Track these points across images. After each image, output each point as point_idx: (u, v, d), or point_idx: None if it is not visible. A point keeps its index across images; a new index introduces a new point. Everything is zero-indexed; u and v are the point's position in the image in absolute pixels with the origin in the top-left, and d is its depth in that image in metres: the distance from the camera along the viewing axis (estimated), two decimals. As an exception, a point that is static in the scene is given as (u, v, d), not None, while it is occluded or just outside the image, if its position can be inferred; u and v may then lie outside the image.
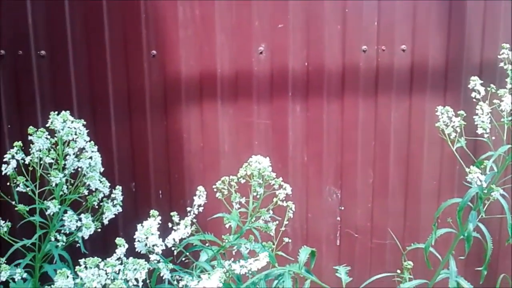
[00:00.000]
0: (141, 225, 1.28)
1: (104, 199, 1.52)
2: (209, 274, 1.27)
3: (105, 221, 1.50)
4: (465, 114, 1.60)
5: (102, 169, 1.48)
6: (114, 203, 1.53)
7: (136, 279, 1.21)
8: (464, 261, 1.88)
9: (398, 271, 1.92)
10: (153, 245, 1.26)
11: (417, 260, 1.93)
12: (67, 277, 1.18)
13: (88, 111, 2.18)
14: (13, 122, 2.21)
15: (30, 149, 1.43)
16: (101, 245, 2.02)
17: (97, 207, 1.51)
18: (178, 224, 1.33)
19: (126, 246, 1.25)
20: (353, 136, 2.25)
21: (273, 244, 1.52)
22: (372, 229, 2.32)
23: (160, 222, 1.31)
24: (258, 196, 1.38)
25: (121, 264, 1.23)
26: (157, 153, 2.24)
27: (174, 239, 1.29)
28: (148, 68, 2.19)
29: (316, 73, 2.21)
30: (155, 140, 2.23)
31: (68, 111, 1.42)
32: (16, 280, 1.40)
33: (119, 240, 1.24)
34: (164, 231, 1.33)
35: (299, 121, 2.24)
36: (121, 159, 2.23)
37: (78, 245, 1.46)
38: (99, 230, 1.49)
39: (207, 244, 1.47)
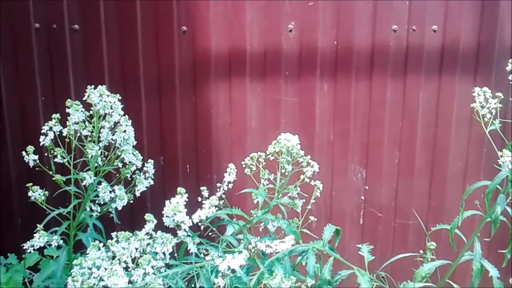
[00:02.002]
0: (169, 202, 1.31)
1: (137, 171, 1.56)
2: (233, 252, 1.31)
3: (137, 193, 1.55)
4: (502, 96, 1.58)
5: (134, 143, 1.52)
6: (146, 176, 1.57)
7: (164, 253, 1.25)
8: (487, 243, 1.89)
9: (421, 251, 1.94)
10: (181, 222, 1.29)
11: (440, 241, 1.94)
12: (99, 249, 1.22)
13: (119, 86, 2.22)
14: (47, 95, 2.27)
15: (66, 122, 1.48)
16: (129, 215, 2.09)
17: (129, 179, 1.56)
18: (207, 198, 1.36)
19: (155, 221, 1.28)
20: (380, 115, 2.25)
21: (299, 221, 1.55)
22: (396, 209, 2.33)
23: (187, 197, 1.35)
24: (286, 173, 1.40)
25: (150, 238, 1.27)
26: (185, 128, 2.28)
27: (200, 216, 1.32)
28: (178, 44, 2.21)
29: (345, 52, 2.20)
30: (184, 116, 2.27)
31: (104, 86, 1.45)
32: (52, 246, 1.46)
33: (148, 216, 1.27)
34: (191, 205, 1.37)
35: (327, 100, 2.24)
36: (150, 134, 2.28)
37: (111, 215, 1.51)
38: (132, 201, 1.54)
39: (234, 219, 1.51)
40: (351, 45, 2.19)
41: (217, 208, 1.34)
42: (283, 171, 1.40)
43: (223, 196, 1.41)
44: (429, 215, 2.31)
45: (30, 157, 1.48)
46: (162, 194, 2.20)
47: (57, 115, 1.46)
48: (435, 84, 2.21)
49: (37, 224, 1.47)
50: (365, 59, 2.20)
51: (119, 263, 1.14)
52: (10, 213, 2.38)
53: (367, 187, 2.32)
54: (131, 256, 1.21)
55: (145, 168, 1.58)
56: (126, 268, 1.18)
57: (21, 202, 2.35)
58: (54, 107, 2.25)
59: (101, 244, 1.21)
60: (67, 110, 1.43)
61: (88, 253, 1.21)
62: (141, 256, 1.18)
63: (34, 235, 1.43)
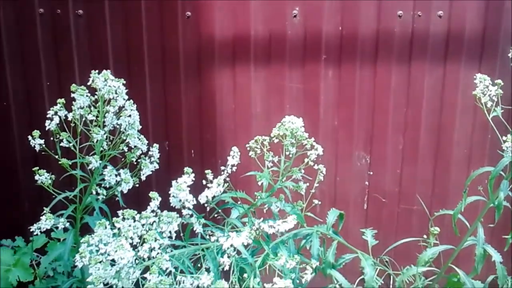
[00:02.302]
0: (176, 181, 1.33)
1: (142, 156, 1.57)
2: (238, 231, 1.32)
3: (143, 177, 1.56)
4: (502, 83, 1.58)
5: (139, 127, 1.53)
6: (151, 160, 1.58)
7: (170, 231, 1.27)
8: (490, 229, 1.90)
9: (425, 236, 1.95)
10: (185, 200, 1.31)
11: (443, 226, 1.95)
12: (106, 227, 1.24)
13: (123, 71, 2.23)
14: (52, 79, 2.28)
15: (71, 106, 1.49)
16: (135, 201, 2.10)
17: (135, 163, 1.57)
18: (211, 181, 1.38)
19: (160, 199, 1.30)
20: (385, 102, 2.25)
21: (303, 203, 1.56)
22: (400, 194, 2.34)
23: (193, 180, 1.36)
24: (290, 156, 1.41)
25: (155, 216, 1.29)
26: (190, 114, 2.29)
27: (207, 196, 1.34)
28: (183, 29, 2.21)
29: (350, 38, 2.19)
30: (188, 101, 2.28)
31: (108, 71, 1.46)
32: (59, 228, 1.48)
33: (153, 194, 1.29)
34: (196, 189, 1.38)
35: (331, 86, 2.24)
36: (155, 119, 2.29)
37: (117, 198, 1.53)
38: (137, 185, 1.55)
39: (238, 202, 1.52)
40: (356, 30, 2.18)
41: (222, 190, 1.35)
42: (287, 153, 1.41)
43: (228, 179, 1.42)
44: (433, 201, 2.31)
45: (36, 142, 1.49)
46: (167, 179, 2.20)
47: (62, 100, 1.46)
48: (440, 71, 2.21)
49: (44, 208, 1.49)
50: (370, 45, 2.20)
51: (125, 239, 1.15)
52: (17, 196, 2.40)
53: (371, 173, 2.33)
54: (137, 234, 1.22)
55: (150, 152, 1.58)
56: (133, 247, 1.19)
57: (27, 186, 2.38)
58: (59, 91, 2.26)
59: (107, 223, 1.22)
60: (72, 95, 1.43)
61: (95, 232, 1.22)
62: (147, 233, 1.19)
63: (41, 217, 1.44)
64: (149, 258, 1.19)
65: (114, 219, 1.21)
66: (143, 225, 1.25)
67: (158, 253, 1.16)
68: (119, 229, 1.23)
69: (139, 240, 1.20)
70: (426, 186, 2.33)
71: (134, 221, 1.23)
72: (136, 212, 1.24)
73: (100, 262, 1.14)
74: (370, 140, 2.30)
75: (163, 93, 2.27)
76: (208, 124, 2.30)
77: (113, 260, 1.16)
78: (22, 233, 2.19)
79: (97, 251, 1.17)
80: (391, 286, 2.04)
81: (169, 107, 2.29)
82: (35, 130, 1.49)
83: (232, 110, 2.28)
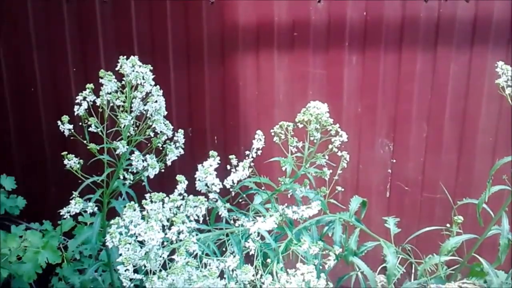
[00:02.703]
0: (202, 165, 1.34)
1: (167, 141, 1.59)
2: (264, 216, 1.34)
3: (168, 162, 1.57)
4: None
5: (165, 113, 1.54)
6: (177, 146, 1.59)
7: (197, 215, 1.29)
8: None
9: (448, 225, 1.94)
10: (211, 184, 1.32)
11: (466, 215, 1.94)
12: (135, 209, 1.26)
13: (148, 57, 2.23)
14: (78, 66, 2.31)
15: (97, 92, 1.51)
16: (159, 186, 2.13)
17: (160, 148, 1.59)
18: (236, 166, 1.39)
19: (186, 182, 1.31)
20: (409, 89, 2.23)
21: (326, 190, 1.56)
22: (423, 182, 2.33)
23: (216, 167, 1.37)
24: (314, 142, 1.41)
25: (182, 199, 1.31)
26: (213, 100, 2.31)
27: (232, 180, 1.35)
28: (207, 16, 2.21)
29: (374, 23, 2.17)
30: (212, 87, 2.29)
31: (136, 57, 1.47)
32: (87, 212, 1.51)
33: (180, 177, 1.31)
34: (218, 175, 1.39)
35: (355, 72, 2.23)
36: (179, 105, 2.30)
37: (143, 183, 1.55)
38: (162, 170, 1.57)
39: (262, 188, 1.54)
40: (380, 16, 2.16)
41: (247, 176, 1.37)
42: (311, 138, 1.41)
43: (252, 164, 1.43)
44: (456, 190, 2.29)
45: (65, 127, 1.51)
46: (190, 165, 2.22)
47: (91, 85, 1.48)
48: (466, 57, 2.17)
49: (73, 192, 1.52)
50: (394, 31, 2.17)
51: (154, 220, 1.17)
52: (44, 181, 2.46)
53: (394, 161, 2.32)
54: (165, 216, 1.24)
55: (175, 138, 1.60)
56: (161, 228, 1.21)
57: (54, 170, 2.42)
58: (85, 77, 2.29)
59: (136, 205, 1.24)
60: (100, 80, 1.45)
61: (123, 214, 1.24)
62: (174, 216, 1.21)
63: (70, 201, 1.48)
64: (175, 241, 1.21)
65: (143, 201, 1.22)
66: (170, 208, 1.27)
67: (185, 236, 1.18)
68: (147, 211, 1.24)
69: (167, 223, 1.21)
70: (450, 175, 2.31)
71: (163, 204, 1.24)
72: (164, 195, 1.26)
73: (129, 243, 1.16)
74: (393, 128, 2.28)
75: (187, 80, 2.29)
76: (231, 111, 2.31)
77: (141, 242, 1.18)
78: (48, 217, 2.24)
79: (127, 232, 1.19)
80: (412, 275, 2.04)
81: (193, 94, 2.31)
82: (64, 116, 1.52)
83: (255, 97, 2.29)
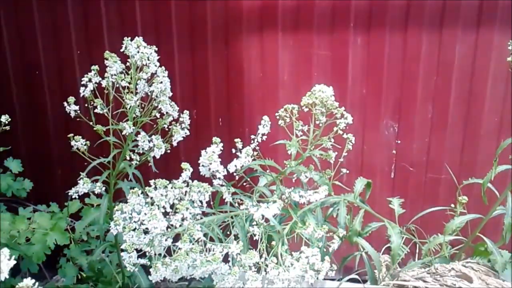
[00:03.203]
0: (205, 151, 1.34)
1: (173, 122, 1.59)
2: (267, 201, 1.35)
3: (174, 143, 1.58)
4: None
5: (170, 94, 1.54)
6: (182, 127, 1.60)
7: (201, 201, 1.30)
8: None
9: (452, 205, 1.95)
10: (216, 171, 1.33)
11: (471, 196, 1.95)
12: (138, 195, 1.27)
13: (152, 39, 2.22)
14: (82, 48, 2.31)
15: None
16: (164, 167, 2.14)
17: (166, 129, 1.59)
18: (241, 150, 1.40)
19: (191, 170, 1.31)
20: (414, 70, 2.21)
21: (331, 172, 1.57)
22: (428, 163, 2.33)
23: (222, 148, 1.38)
24: (319, 125, 1.41)
25: (187, 186, 1.31)
26: (218, 82, 2.30)
27: (236, 166, 1.36)
28: (211, -3, 2.20)
29: (379, 3, 2.15)
30: (216, 69, 2.28)
31: (141, 38, 1.47)
32: (95, 193, 1.53)
33: (185, 165, 1.31)
34: (223, 156, 1.40)
35: (360, 53, 2.22)
36: (183, 87, 2.30)
37: (149, 164, 1.56)
38: (168, 151, 1.58)
39: (267, 171, 1.54)
40: (386, -5, 2.14)
41: (252, 159, 1.37)
42: (317, 122, 1.41)
43: (257, 147, 1.44)
44: (461, 170, 2.29)
45: (72, 108, 1.52)
46: (195, 147, 2.23)
47: (96, 67, 1.48)
48: (473, 37, 2.15)
49: (80, 173, 1.53)
50: (400, 11, 2.15)
51: (158, 208, 1.18)
52: (49, 163, 2.47)
53: (399, 142, 2.32)
54: (169, 203, 1.25)
55: (180, 119, 1.60)
56: (164, 214, 1.23)
57: (59, 152, 2.44)
58: (89, 59, 2.29)
59: (140, 191, 1.25)
60: (105, 62, 1.45)
61: (128, 200, 1.26)
62: (179, 202, 1.22)
63: (78, 182, 1.49)
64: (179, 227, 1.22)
65: (147, 188, 1.23)
66: (175, 194, 1.27)
67: (189, 223, 1.19)
68: (151, 198, 1.25)
69: (170, 210, 1.22)
70: (455, 155, 2.31)
71: (166, 190, 1.25)
72: (168, 182, 1.26)
73: (133, 229, 1.17)
74: (398, 109, 2.28)
75: (192, 62, 2.28)
76: (235, 92, 2.31)
77: (146, 228, 1.19)
78: (54, 199, 2.25)
79: (131, 218, 1.20)
80: (417, 255, 2.05)
81: (197, 76, 2.30)
82: (70, 97, 1.52)
83: (259, 78, 2.28)
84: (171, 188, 1.28)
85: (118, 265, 1.94)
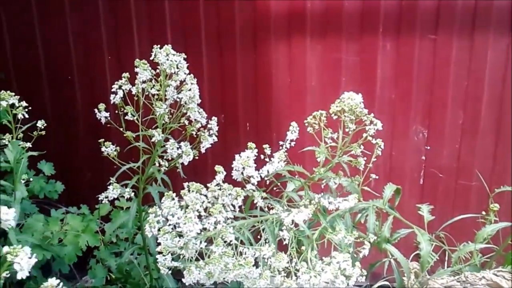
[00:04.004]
0: (239, 155, 1.35)
1: (201, 129, 1.61)
2: (298, 206, 1.34)
3: (202, 150, 1.59)
4: None
5: (199, 101, 1.56)
6: (210, 133, 1.61)
7: (233, 205, 1.30)
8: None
9: (483, 212, 1.91)
10: (250, 176, 1.33)
11: (502, 203, 1.91)
12: (173, 199, 1.27)
13: (180, 45, 2.26)
14: (113, 53, 2.35)
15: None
16: (192, 171, 2.16)
17: (195, 136, 1.61)
18: (270, 156, 1.40)
19: (225, 173, 1.32)
20: (445, 75, 2.19)
21: (360, 178, 1.56)
22: (458, 170, 2.30)
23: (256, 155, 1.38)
24: (349, 132, 1.41)
25: (219, 189, 1.32)
26: (245, 87, 2.31)
27: (268, 171, 1.36)
28: (239, 2, 2.21)
29: (409, 8, 2.13)
30: (244, 74, 2.30)
31: (169, 45, 1.49)
32: (125, 197, 1.56)
33: (218, 168, 1.32)
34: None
35: (389, 58, 2.20)
36: (211, 92, 2.32)
37: (178, 170, 1.58)
38: (196, 157, 1.59)
39: (296, 176, 1.54)
40: (416, 0, 2.11)
41: (282, 167, 1.37)
42: (346, 130, 1.40)
43: (285, 153, 1.44)
44: (492, 177, 2.25)
45: (102, 114, 1.55)
46: (222, 151, 2.25)
47: (127, 74, 1.51)
48: (505, 41, 2.11)
49: (109, 178, 1.56)
50: (430, 15, 2.13)
51: (192, 212, 1.19)
52: (80, 167, 2.52)
53: (428, 147, 2.29)
54: (202, 207, 1.25)
55: (209, 125, 1.62)
56: (198, 217, 1.23)
57: (90, 157, 2.48)
58: (119, 65, 2.33)
59: (174, 194, 1.26)
60: (136, 69, 1.48)
61: (162, 203, 1.26)
62: (212, 206, 1.22)
63: (108, 187, 1.52)
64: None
65: (182, 191, 1.24)
66: (208, 198, 1.28)
67: (222, 226, 1.20)
68: (185, 202, 1.25)
69: (204, 214, 1.23)
70: (486, 162, 2.27)
71: (201, 194, 1.25)
72: (202, 185, 1.27)
73: (167, 232, 1.18)
74: (428, 114, 2.25)
75: (220, 67, 2.30)
76: (263, 98, 2.31)
77: (179, 231, 1.20)
78: (84, 201, 2.30)
79: (164, 221, 1.21)
80: (446, 262, 2.02)
81: (225, 81, 2.32)
82: (101, 104, 1.55)
83: (287, 83, 2.28)
84: (206, 191, 1.28)
85: (146, 267, 1.97)
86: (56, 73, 2.41)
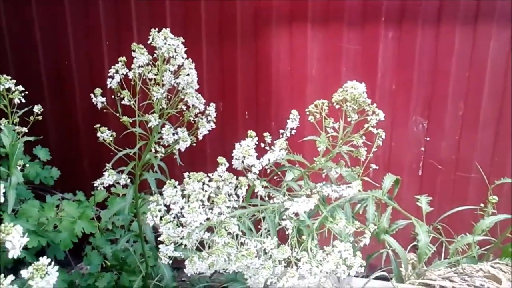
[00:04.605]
0: (239, 144, 1.32)
1: (199, 115, 1.58)
2: (300, 196, 1.32)
3: (200, 136, 1.57)
4: None
5: (197, 87, 1.53)
6: (208, 120, 1.59)
7: (237, 195, 1.27)
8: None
9: (482, 204, 1.91)
10: (251, 166, 1.30)
11: (501, 195, 1.90)
12: (175, 187, 1.22)
13: (180, 32, 2.21)
14: (111, 39, 2.31)
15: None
16: (189, 158, 2.15)
17: (192, 122, 1.58)
18: (270, 145, 1.37)
19: (227, 165, 1.28)
20: (446, 66, 2.17)
21: (360, 169, 1.54)
22: (457, 161, 2.29)
23: (256, 143, 1.35)
24: (352, 122, 1.38)
25: (222, 180, 1.28)
26: (245, 75, 2.29)
27: (269, 159, 1.34)
28: (240, -11, 2.18)
29: (412, -3, 2.11)
30: (244, 63, 2.27)
31: (168, 29, 1.46)
32: (121, 184, 1.54)
33: (221, 159, 1.28)
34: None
35: (390, 48, 2.18)
36: (210, 80, 2.29)
37: (175, 157, 1.56)
38: (194, 144, 1.57)
39: (296, 165, 1.52)
40: (419, -11, 2.09)
41: (283, 156, 1.35)
42: (348, 119, 1.38)
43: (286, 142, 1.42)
44: (492, 169, 2.25)
45: (98, 99, 1.53)
46: (220, 139, 2.24)
47: (124, 58, 1.48)
48: (508, 33, 2.09)
49: (105, 164, 1.54)
50: (433, 5, 2.10)
51: (196, 201, 1.16)
52: (77, 153, 2.50)
53: (428, 139, 2.28)
54: (205, 197, 1.22)
55: (207, 112, 1.60)
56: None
57: (86, 142, 2.46)
58: (117, 51, 2.29)
59: (176, 183, 1.23)
60: (133, 54, 1.45)
61: (164, 192, 1.23)
62: (215, 196, 1.20)
63: (104, 173, 1.50)
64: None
65: (184, 180, 1.20)
66: (212, 188, 1.25)
67: (226, 217, 1.17)
68: (188, 192, 1.22)
69: (208, 203, 1.20)
70: (486, 154, 2.26)
71: (203, 184, 1.22)
72: (204, 174, 1.24)
73: (170, 222, 1.16)
74: (428, 105, 2.23)
75: (219, 54, 2.27)
76: (263, 86, 2.29)
77: (180, 221, 1.17)
78: (80, 187, 2.28)
79: (165, 210, 1.19)
80: (443, 254, 2.02)
81: (225, 68, 2.29)
82: (97, 88, 1.53)
83: (288, 72, 2.26)
84: (209, 181, 1.25)
85: (141, 254, 1.95)
86: (53, 58, 2.37)
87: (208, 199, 1.20)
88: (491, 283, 1.67)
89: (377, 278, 1.73)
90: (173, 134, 1.52)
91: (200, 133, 1.58)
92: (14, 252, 0.95)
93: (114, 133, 1.56)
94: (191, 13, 2.22)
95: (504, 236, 1.81)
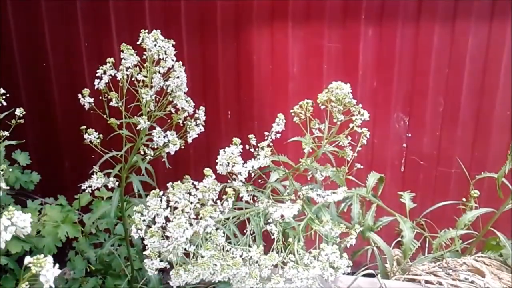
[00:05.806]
0: (224, 150, 1.31)
1: (188, 118, 1.57)
2: (284, 198, 1.32)
3: (189, 140, 1.54)
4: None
5: (186, 89, 1.52)
6: (197, 123, 1.57)
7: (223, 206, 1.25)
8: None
9: (463, 199, 1.94)
10: (238, 173, 1.29)
11: (482, 190, 1.93)
12: (160, 198, 1.21)
13: (161, 30, 2.20)
14: (90, 40, 2.27)
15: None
16: (172, 157, 2.13)
17: (181, 125, 1.57)
18: (255, 146, 1.37)
19: (214, 176, 1.26)
20: (426, 62, 2.19)
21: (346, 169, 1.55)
22: (439, 157, 2.32)
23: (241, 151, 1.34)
24: (337, 122, 1.39)
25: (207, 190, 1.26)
26: (227, 74, 2.28)
27: (253, 166, 1.32)
28: (220, -12, 2.17)
29: (392, -5, 2.12)
30: (225, 62, 2.26)
31: (158, 31, 1.44)
32: (109, 187, 1.51)
33: (207, 171, 1.25)
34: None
35: (371, 45, 2.19)
36: (192, 79, 2.26)
37: (163, 160, 1.54)
38: (183, 147, 1.55)
39: (281, 166, 1.52)
40: (398, -13, 2.11)
41: (267, 163, 1.34)
42: (334, 120, 1.38)
43: (271, 144, 1.41)
44: (472, 164, 2.28)
45: (86, 100, 1.49)
46: (203, 139, 2.22)
47: (111, 59, 1.45)
48: (486, 29, 2.13)
49: (94, 166, 1.51)
50: (413, 3, 2.12)
51: (183, 216, 1.15)
52: (57, 156, 2.46)
53: (409, 135, 2.30)
54: (190, 208, 1.21)
55: (196, 115, 1.58)
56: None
57: (67, 145, 2.42)
58: (97, 52, 2.26)
59: (161, 193, 1.22)
60: (121, 54, 1.42)
61: (148, 201, 1.22)
62: (202, 206, 1.19)
63: (92, 176, 1.47)
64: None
65: (169, 190, 1.19)
66: (199, 199, 1.23)
67: (212, 230, 1.16)
68: (173, 204, 1.21)
69: (193, 216, 1.19)
70: (466, 149, 2.29)
71: (190, 194, 1.21)
72: (191, 185, 1.22)
73: (155, 234, 1.14)
74: (409, 102, 2.26)
75: (200, 54, 2.25)
76: (245, 85, 2.28)
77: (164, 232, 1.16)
78: (61, 191, 2.24)
79: (149, 220, 1.17)
80: (427, 249, 2.05)
81: (206, 68, 2.27)
82: (85, 89, 1.50)
83: (269, 71, 2.26)
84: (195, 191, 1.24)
85: (126, 258, 1.93)
86: (31, 60, 2.33)
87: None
88: (475, 276, 1.70)
89: (362, 275, 1.75)
90: (163, 137, 1.50)
91: (190, 137, 1.56)
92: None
93: (101, 135, 1.53)
94: (171, 12, 2.20)
95: (486, 229, 1.84)
